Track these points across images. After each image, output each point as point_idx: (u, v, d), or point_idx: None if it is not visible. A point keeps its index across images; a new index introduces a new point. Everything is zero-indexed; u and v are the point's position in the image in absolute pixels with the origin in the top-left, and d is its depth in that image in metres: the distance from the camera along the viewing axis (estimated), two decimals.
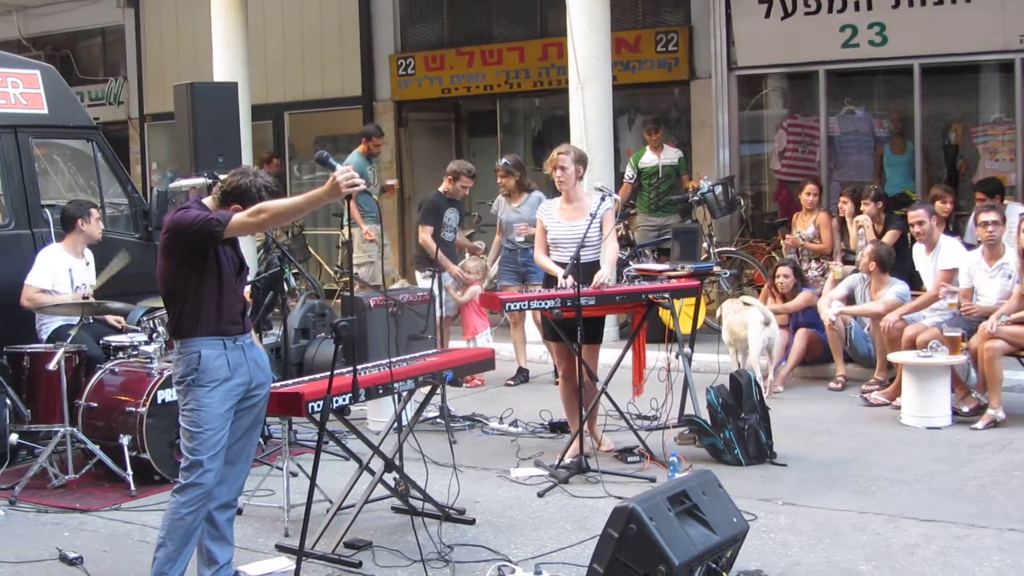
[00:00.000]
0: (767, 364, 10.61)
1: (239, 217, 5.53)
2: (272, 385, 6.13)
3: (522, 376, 11.58)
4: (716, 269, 10.80)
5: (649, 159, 14.04)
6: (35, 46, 21.72)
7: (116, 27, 21.63)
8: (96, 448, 8.04)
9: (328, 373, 5.97)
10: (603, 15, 12.62)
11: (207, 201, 5.79)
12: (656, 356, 9.28)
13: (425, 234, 10.88)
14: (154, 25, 21.08)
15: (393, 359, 6.77)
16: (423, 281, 10.77)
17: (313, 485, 5.84)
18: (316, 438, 6.16)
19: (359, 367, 6.31)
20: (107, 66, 22.15)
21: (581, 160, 8.58)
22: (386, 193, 15.30)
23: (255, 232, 5.78)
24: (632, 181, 14.13)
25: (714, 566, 5.45)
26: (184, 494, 5.65)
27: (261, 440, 8.92)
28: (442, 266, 10.36)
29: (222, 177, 6.19)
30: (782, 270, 11.34)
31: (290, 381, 6.71)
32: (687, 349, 8.97)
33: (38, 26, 22.07)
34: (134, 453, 7.90)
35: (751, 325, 10.40)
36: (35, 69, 9.91)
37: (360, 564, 6.31)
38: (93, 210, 9.17)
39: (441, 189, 11.05)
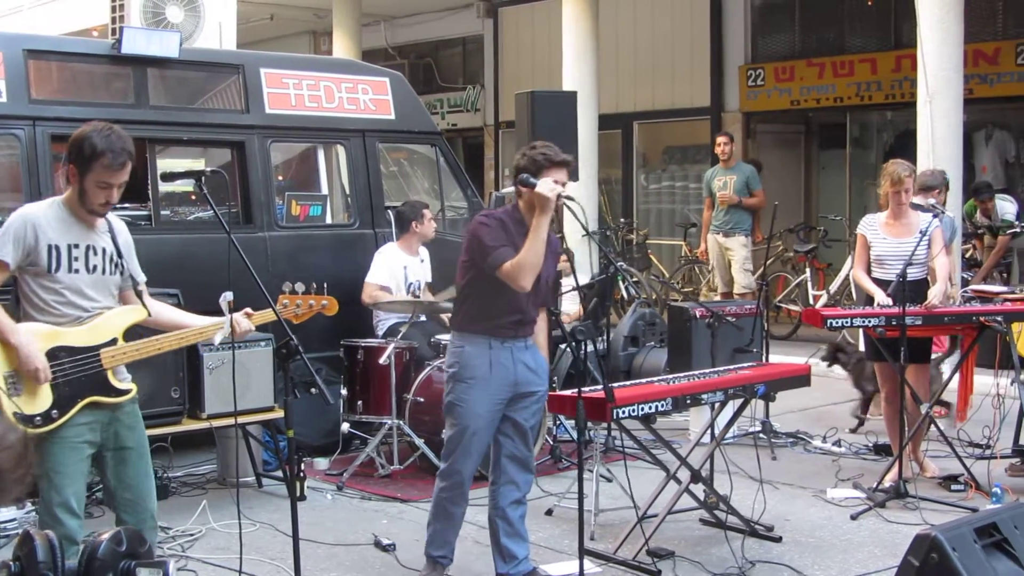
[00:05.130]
0: None
1: (505, 267, 5.67)
2: (584, 390, 6.21)
3: None
4: None
5: (1008, 210, 13.25)
6: (400, 54, 22.75)
7: (476, 36, 22.34)
8: (420, 441, 8.34)
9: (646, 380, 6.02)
10: (956, 26, 12.11)
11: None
12: (991, 382, 8.88)
13: None
14: (511, 35, 21.69)
15: (703, 371, 6.75)
16: None
17: (581, 494, 5.88)
18: (633, 445, 6.66)
19: (671, 376, 6.34)
20: (466, 74, 22.90)
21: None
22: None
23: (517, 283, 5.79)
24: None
25: None
26: (444, 479, 6.01)
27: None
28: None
29: None
30: None
31: (599, 387, 6.78)
32: None
33: (404, 35, 23.04)
34: None
35: None
36: (384, 77, 10.29)
37: (659, 573, 6.31)
38: (426, 211, 9.49)
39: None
